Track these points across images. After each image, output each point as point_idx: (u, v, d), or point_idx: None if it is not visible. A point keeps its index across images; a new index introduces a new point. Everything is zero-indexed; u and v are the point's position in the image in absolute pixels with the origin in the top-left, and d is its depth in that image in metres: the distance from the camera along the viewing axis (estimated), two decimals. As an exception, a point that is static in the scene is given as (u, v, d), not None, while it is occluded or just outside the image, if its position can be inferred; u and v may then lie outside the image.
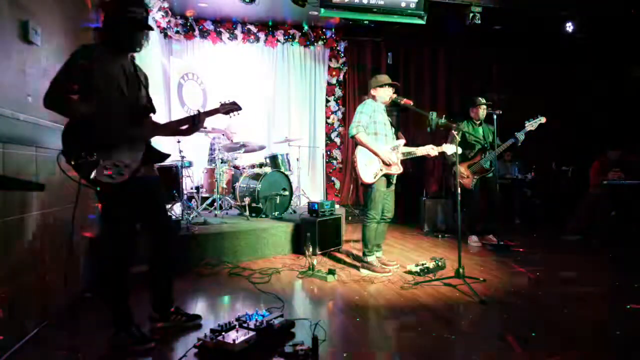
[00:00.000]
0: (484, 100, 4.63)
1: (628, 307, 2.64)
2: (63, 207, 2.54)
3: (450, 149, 3.55)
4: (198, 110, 2.29)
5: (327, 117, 6.99)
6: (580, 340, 2.17)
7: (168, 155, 2.23)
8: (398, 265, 3.62)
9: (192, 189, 5.08)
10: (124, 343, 2.01)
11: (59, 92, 1.83)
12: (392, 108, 5.17)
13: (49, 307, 2.36)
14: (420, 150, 3.57)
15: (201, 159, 5.77)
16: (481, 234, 4.67)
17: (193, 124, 2.22)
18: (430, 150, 3.57)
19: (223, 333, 1.97)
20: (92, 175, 1.84)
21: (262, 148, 5.44)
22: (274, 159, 5.29)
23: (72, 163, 1.83)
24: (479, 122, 4.67)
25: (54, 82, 1.83)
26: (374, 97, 3.52)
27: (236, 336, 1.92)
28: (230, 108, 2.43)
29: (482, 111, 4.61)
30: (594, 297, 2.89)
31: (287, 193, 4.82)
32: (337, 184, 7.02)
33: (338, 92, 6.97)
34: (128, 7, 1.98)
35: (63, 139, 1.86)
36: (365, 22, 5.13)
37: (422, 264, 3.43)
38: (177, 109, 5.96)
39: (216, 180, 4.77)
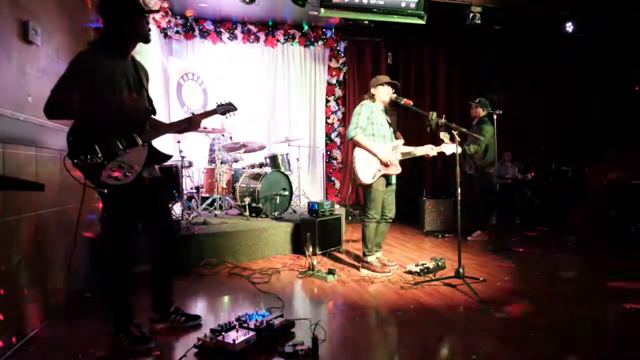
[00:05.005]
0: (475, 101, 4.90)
1: (628, 307, 2.64)
2: (63, 206, 2.54)
3: (449, 148, 3.55)
4: (192, 113, 2.31)
5: (327, 117, 6.98)
6: (580, 340, 2.18)
7: (170, 157, 2.24)
8: (398, 265, 3.62)
9: (192, 189, 5.08)
10: (124, 343, 2.01)
11: (59, 102, 1.82)
12: (392, 108, 5.18)
13: (49, 307, 2.37)
14: (419, 150, 3.57)
15: (201, 159, 5.77)
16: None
17: (189, 124, 2.25)
18: (429, 150, 3.56)
19: (223, 333, 1.97)
20: (98, 177, 1.84)
21: (262, 148, 5.44)
22: (274, 159, 5.28)
23: (78, 165, 1.83)
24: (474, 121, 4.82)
25: (54, 92, 1.82)
26: (373, 97, 3.51)
27: (236, 336, 1.92)
28: (226, 109, 2.45)
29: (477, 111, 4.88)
30: (593, 297, 2.89)
31: (287, 193, 4.82)
32: (337, 184, 7.02)
33: (338, 92, 6.97)
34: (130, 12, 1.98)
35: (68, 141, 1.86)
36: (365, 22, 5.13)
37: (422, 264, 3.43)
38: (177, 109, 5.96)
39: (216, 180, 4.77)
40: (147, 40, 2.08)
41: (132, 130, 2.00)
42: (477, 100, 4.84)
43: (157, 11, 2.11)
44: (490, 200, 4.77)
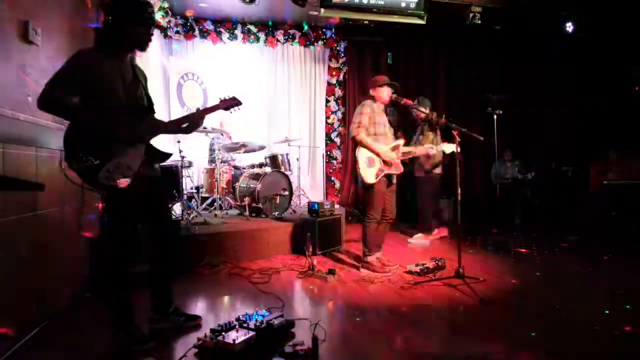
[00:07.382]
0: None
1: (628, 307, 2.64)
2: (63, 207, 2.54)
3: (449, 148, 3.54)
4: (197, 108, 2.29)
5: (327, 117, 6.98)
6: (580, 340, 2.17)
7: (170, 155, 2.23)
8: (398, 265, 3.62)
9: (192, 189, 5.08)
10: (124, 343, 2.01)
11: (51, 95, 1.83)
12: (392, 108, 5.19)
13: (49, 307, 2.36)
14: (420, 150, 3.57)
15: (201, 159, 5.76)
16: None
17: (192, 122, 2.22)
18: (429, 149, 3.57)
19: (223, 333, 1.97)
20: (96, 179, 1.84)
21: (262, 148, 5.44)
22: (274, 159, 5.29)
23: (75, 168, 1.82)
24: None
25: (48, 85, 1.83)
26: (373, 98, 3.52)
27: (236, 336, 1.92)
28: (230, 103, 2.41)
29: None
30: (593, 297, 2.89)
31: (287, 193, 4.82)
32: (337, 184, 7.02)
33: (338, 92, 6.97)
34: (134, 6, 1.98)
35: (65, 144, 1.86)
36: (365, 22, 5.13)
37: (422, 264, 3.43)
38: (177, 109, 5.96)
39: (216, 180, 4.77)
40: (142, 49, 2.07)
41: (129, 130, 1.99)
42: (416, 99, 4.70)
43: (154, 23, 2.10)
44: (435, 203, 4.88)
